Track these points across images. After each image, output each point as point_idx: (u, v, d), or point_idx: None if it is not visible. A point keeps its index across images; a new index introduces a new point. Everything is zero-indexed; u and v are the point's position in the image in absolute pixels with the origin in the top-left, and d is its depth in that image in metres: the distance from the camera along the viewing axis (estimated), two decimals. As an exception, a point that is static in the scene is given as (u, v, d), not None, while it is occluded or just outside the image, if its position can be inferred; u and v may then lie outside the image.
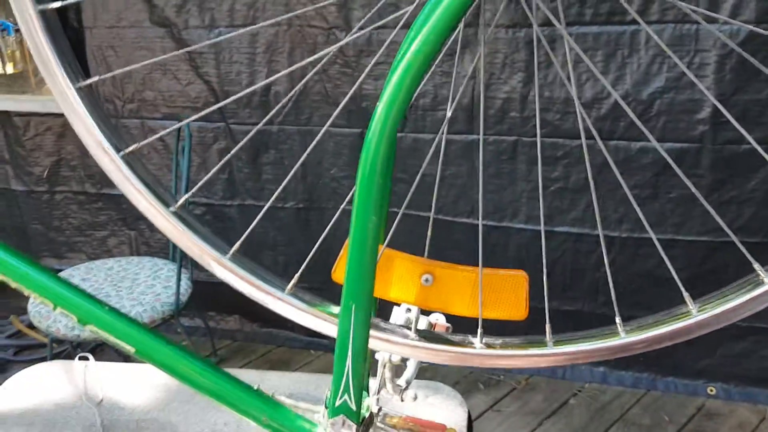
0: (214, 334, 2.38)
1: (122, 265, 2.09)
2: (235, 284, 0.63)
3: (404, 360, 0.76)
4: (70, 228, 2.40)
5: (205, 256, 0.62)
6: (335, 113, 0.71)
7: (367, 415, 0.63)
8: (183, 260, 1.95)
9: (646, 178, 1.84)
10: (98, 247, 2.42)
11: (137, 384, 1.21)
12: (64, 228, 2.41)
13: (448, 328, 0.74)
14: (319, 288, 0.66)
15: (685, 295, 0.57)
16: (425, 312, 0.74)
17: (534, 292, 0.63)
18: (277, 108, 2.04)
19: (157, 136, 0.67)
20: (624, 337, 0.58)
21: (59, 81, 0.56)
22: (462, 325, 0.68)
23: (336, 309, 0.64)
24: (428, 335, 0.64)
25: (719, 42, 1.65)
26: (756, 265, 0.54)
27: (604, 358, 0.59)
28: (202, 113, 0.65)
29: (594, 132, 0.60)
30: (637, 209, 0.60)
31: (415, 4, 0.59)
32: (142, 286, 1.96)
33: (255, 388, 0.67)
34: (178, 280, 1.91)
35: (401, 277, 0.59)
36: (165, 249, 2.35)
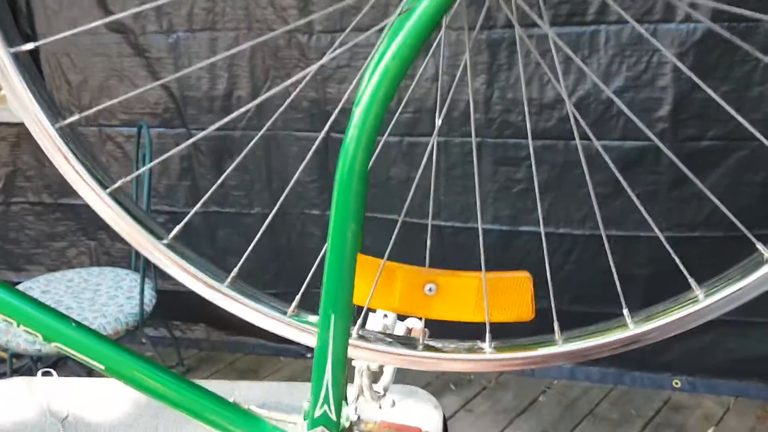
0: (180, 344, 2.34)
1: (83, 276, 2.04)
2: (233, 309, 0.61)
3: (381, 366, 0.75)
4: (27, 239, 2.33)
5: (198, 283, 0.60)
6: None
7: (347, 425, 0.62)
8: (146, 270, 1.91)
9: (607, 177, 1.86)
10: (57, 259, 2.36)
11: (103, 399, 1.18)
12: (20, 239, 2.34)
13: (425, 332, 0.74)
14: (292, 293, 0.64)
15: (691, 280, 0.57)
16: (401, 317, 0.73)
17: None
18: (237, 113, 2.01)
19: (170, 153, 0.65)
20: (634, 329, 0.57)
21: (40, 122, 0.54)
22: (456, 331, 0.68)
23: (314, 318, 0.62)
24: (431, 346, 0.63)
25: (677, 41, 1.69)
26: (759, 245, 0.55)
27: (616, 352, 0.59)
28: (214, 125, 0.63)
29: (589, 133, 0.59)
30: (643, 210, 0.60)
31: (369, 5, 0.59)
32: (105, 297, 1.91)
33: (230, 400, 0.65)
34: (142, 290, 1.87)
35: (404, 289, 0.59)
36: (126, 258, 2.30)
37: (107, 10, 1.99)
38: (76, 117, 0.56)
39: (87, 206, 2.07)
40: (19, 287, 1.97)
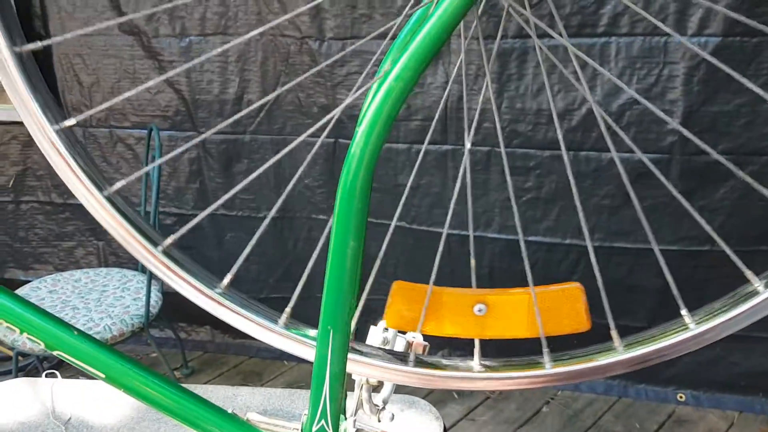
0: (185, 346, 2.34)
1: (90, 276, 2.05)
2: (224, 317, 0.61)
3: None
4: (36, 239, 2.35)
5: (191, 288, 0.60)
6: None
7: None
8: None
9: (617, 188, 1.86)
10: (65, 258, 2.38)
11: (106, 402, 1.19)
12: (30, 239, 2.36)
13: (425, 347, 0.74)
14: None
15: (748, 273, 0.56)
16: (401, 331, 0.73)
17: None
18: (242, 114, 2.02)
19: (181, 150, 0.65)
20: (695, 329, 0.56)
21: (40, 123, 0.54)
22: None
23: (313, 332, 0.63)
24: (425, 362, 0.63)
25: (688, 54, 1.68)
26: (748, 273, 0.55)
27: (678, 354, 0.57)
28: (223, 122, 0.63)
29: (632, 145, 0.59)
30: (645, 224, 0.60)
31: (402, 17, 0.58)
32: (111, 298, 1.92)
33: (229, 411, 0.65)
34: (148, 291, 1.88)
35: (453, 312, 0.58)
36: (134, 259, 2.31)
37: (120, 12, 2.01)
38: (73, 121, 0.56)
39: None
40: (27, 286, 1.99)
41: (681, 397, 2.05)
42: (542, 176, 1.89)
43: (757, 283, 0.55)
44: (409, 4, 0.62)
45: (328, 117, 0.62)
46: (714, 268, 1.80)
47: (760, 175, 1.78)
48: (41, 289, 1.96)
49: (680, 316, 0.58)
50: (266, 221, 0.65)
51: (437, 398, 2.08)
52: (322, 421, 0.58)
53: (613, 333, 0.58)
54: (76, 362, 0.61)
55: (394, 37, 0.59)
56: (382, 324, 0.74)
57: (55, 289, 1.97)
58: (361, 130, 0.47)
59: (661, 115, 0.58)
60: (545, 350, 0.59)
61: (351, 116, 1.96)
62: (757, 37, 1.65)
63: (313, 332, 0.60)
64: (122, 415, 1.16)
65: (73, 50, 2.07)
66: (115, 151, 2.19)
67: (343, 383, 0.58)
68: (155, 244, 0.59)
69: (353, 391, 0.73)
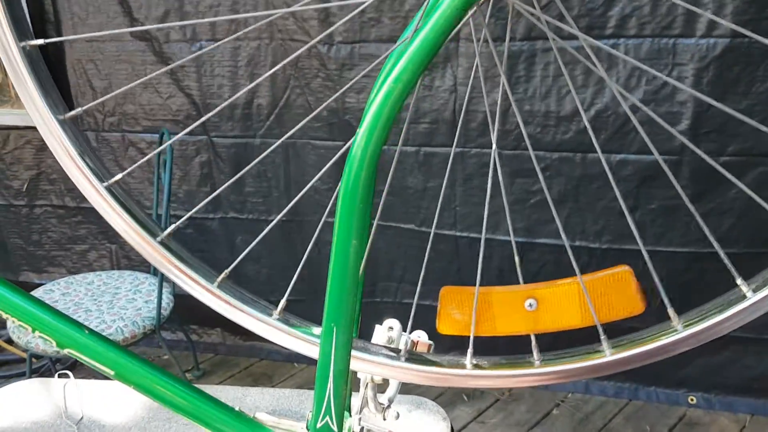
0: (197, 348, 2.36)
1: (102, 279, 2.07)
2: (221, 310, 0.62)
3: (386, 378, 0.76)
4: (49, 242, 2.38)
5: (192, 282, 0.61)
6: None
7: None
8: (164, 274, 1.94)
9: (626, 190, 1.85)
10: (78, 261, 2.40)
11: (118, 402, 1.20)
12: (43, 242, 2.39)
13: (430, 345, 0.74)
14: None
15: (738, 279, 0.56)
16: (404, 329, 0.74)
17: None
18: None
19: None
20: (753, 297, 0.55)
21: (44, 113, 0.56)
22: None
23: (317, 330, 0.64)
24: (417, 357, 0.64)
25: (696, 56, 1.68)
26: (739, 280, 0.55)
27: (733, 328, 0.57)
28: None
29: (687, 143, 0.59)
30: (633, 226, 0.60)
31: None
32: (123, 301, 1.94)
33: (236, 409, 0.66)
34: (159, 294, 1.89)
35: (504, 311, 0.58)
36: (146, 263, 2.33)
37: (132, 18, 2.03)
38: (76, 112, 0.57)
39: None
40: (41, 289, 2.01)
41: (692, 399, 2.04)
42: (551, 178, 1.89)
43: (745, 288, 0.55)
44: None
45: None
46: (723, 271, 1.79)
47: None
48: (54, 292, 1.98)
49: (668, 319, 0.58)
50: (270, 226, 0.66)
51: (447, 400, 2.09)
52: (327, 418, 0.59)
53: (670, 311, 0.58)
54: (86, 360, 0.62)
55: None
56: (387, 323, 0.75)
57: (68, 291, 1.99)
58: (361, 131, 0.48)
59: (667, 126, 0.59)
60: (603, 337, 0.58)
61: (360, 119, 1.97)
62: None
63: (305, 325, 0.61)
64: (134, 415, 1.18)
65: (86, 56, 2.10)
66: (127, 155, 2.21)
67: (347, 380, 0.59)
68: (154, 235, 0.60)
69: (359, 390, 0.74)
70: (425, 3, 0.53)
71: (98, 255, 2.38)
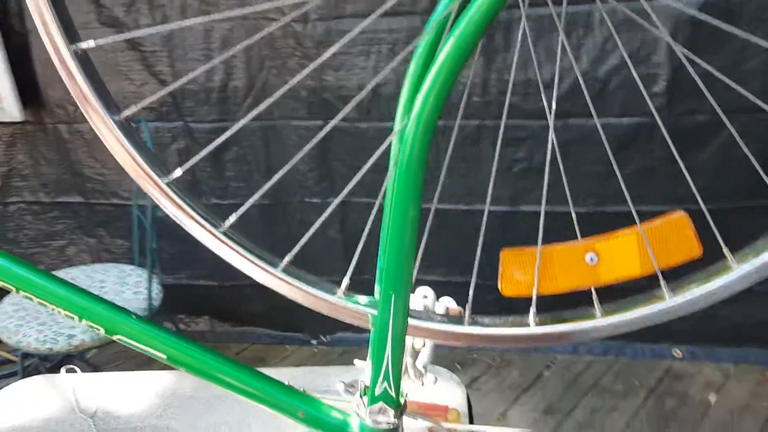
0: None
1: (87, 273, 2.04)
2: (227, 256, 0.62)
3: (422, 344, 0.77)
4: (25, 239, 2.32)
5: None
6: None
7: (402, 401, 0.65)
8: (152, 265, 1.92)
9: (602, 154, 1.89)
10: (57, 257, 2.35)
11: (129, 392, 1.19)
12: (19, 240, 2.33)
13: (460, 311, 0.76)
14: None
15: (725, 249, 0.58)
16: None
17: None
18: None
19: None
20: (669, 300, 0.59)
21: (57, 45, 0.54)
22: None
23: (363, 299, 0.64)
24: (478, 322, 0.65)
25: (671, 18, 1.71)
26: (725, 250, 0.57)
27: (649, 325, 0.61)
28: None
29: (656, 114, 0.61)
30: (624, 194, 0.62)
31: None
32: (111, 294, 1.91)
33: (285, 383, 0.67)
34: (150, 284, 1.87)
35: (565, 267, 0.59)
36: (128, 254, 2.30)
37: (98, 5, 1.98)
38: (134, 109, 0.57)
39: (85, 204, 2.10)
40: (24, 287, 1.97)
41: (677, 353, 2.11)
42: (534, 146, 1.92)
43: (730, 260, 0.58)
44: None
45: (356, 99, 0.64)
46: (704, 228, 1.85)
47: (741, 133, 1.83)
48: (39, 289, 1.94)
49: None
50: (244, 208, 0.64)
51: (441, 370, 2.12)
52: (385, 384, 0.60)
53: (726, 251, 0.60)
54: (137, 345, 0.62)
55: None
56: (420, 290, 0.76)
57: (53, 288, 1.95)
58: (419, 97, 0.48)
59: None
60: (662, 282, 0.60)
61: (339, 96, 1.97)
62: (737, -3, 1.69)
63: (309, 277, 0.62)
64: (148, 404, 1.17)
65: (52, 45, 2.03)
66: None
67: (404, 346, 0.60)
68: (216, 226, 0.60)
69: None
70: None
71: (77, 250, 2.34)
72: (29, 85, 2.08)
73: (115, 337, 0.62)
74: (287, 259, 0.60)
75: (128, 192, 2.14)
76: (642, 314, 0.60)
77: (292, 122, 2.04)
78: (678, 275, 0.64)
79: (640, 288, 0.62)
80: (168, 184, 0.58)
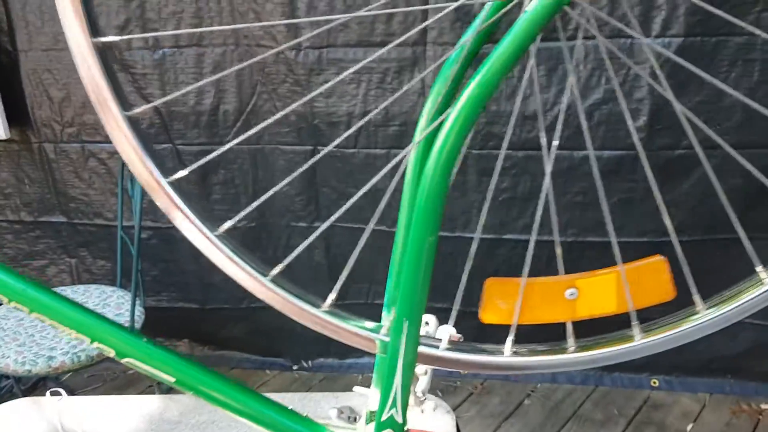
0: (164, 360, 2.32)
1: (68, 294, 2.01)
2: (218, 260, 0.63)
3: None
4: (5, 259, 2.29)
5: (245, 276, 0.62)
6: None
7: (406, 428, 0.66)
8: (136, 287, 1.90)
9: (589, 184, 1.93)
10: (37, 278, 2.32)
11: (116, 417, 1.18)
12: (-2, 259, 2.30)
13: (459, 338, 0.78)
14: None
15: (696, 297, 0.61)
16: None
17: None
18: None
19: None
20: (638, 341, 0.62)
21: (110, 108, 0.56)
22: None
23: (369, 324, 0.66)
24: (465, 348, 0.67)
25: (652, 55, 1.77)
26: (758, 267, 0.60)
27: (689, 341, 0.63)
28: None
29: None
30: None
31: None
32: (93, 315, 1.89)
33: (290, 408, 0.68)
34: (133, 307, 1.86)
35: (546, 300, 0.62)
36: (109, 275, 2.29)
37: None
38: (116, 39, 0.58)
39: (68, 224, 2.10)
40: (3, 307, 1.94)
41: (654, 382, 2.15)
42: (518, 176, 1.95)
43: (699, 306, 0.62)
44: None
45: (356, 126, 0.66)
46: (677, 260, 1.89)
47: (717, 168, 1.88)
48: (19, 310, 1.91)
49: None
50: (233, 222, 0.66)
51: (423, 397, 2.12)
52: (392, 410, 0.61)
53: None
54: (146, 369, 0.62)
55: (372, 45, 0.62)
56: (423, 318, 0.77)
57: (33, 308, 1.92)
58: (443, 132, 0.50)
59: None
60: (634, 323, 0.63)
61: (329, 123, 1.99)
62: (715, 37, 1.75)
63: (296, 290, 0.63)
64: (135, 428, 1.16)
65: (42, 66, 2.03)
66: (87, 166, 2.15)
67: (413, 373, 0.61)
68: (164, 175, 0.61)
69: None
70: (485, 5, 0.57)
71: (58, 270, 2.31)
72: (16, 103, 2.08)
73: (124, 360, 0.62)
74: (278, 269, 0.62)
75: (113, 213, 2.13)
76: (613, 351, 0.63)
77: (280, 147, 2.05)
78: (651, 311, 0.68)
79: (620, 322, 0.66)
80: (169, 184, 0.59)
